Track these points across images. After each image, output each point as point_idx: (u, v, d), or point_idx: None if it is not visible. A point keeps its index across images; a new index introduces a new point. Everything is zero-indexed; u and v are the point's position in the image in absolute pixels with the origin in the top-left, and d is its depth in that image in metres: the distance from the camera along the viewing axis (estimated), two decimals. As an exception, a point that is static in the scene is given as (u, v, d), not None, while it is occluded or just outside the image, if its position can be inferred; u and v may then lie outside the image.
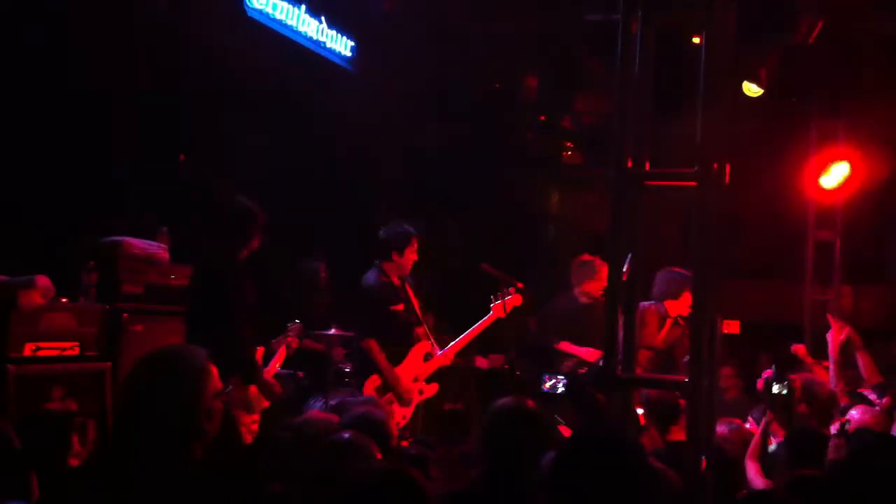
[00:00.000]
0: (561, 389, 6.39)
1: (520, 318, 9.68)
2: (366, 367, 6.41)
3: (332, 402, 7.09)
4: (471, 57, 8.92)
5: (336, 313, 7.63)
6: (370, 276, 6.44)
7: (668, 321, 6.63)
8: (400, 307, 6.50)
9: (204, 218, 5.61)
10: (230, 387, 4.52)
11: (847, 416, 4.49)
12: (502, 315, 6.68)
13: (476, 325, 6.71)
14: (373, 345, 6.29)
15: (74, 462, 3.89)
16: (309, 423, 3.54)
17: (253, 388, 5.29)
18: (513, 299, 6.68)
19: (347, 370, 7.67)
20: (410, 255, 6.46)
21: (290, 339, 6.07)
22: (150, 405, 2.55)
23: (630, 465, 2.42)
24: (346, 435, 3.11)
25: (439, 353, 6.61)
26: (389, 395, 6.33)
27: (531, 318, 10.04)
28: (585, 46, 8.53)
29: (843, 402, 5.43)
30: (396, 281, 6.52)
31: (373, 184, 9.87)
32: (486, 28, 8.50)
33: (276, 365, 5.87)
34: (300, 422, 3.59)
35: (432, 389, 6.61)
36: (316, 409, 7.09)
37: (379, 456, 3.06)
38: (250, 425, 5.16)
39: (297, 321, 6.25)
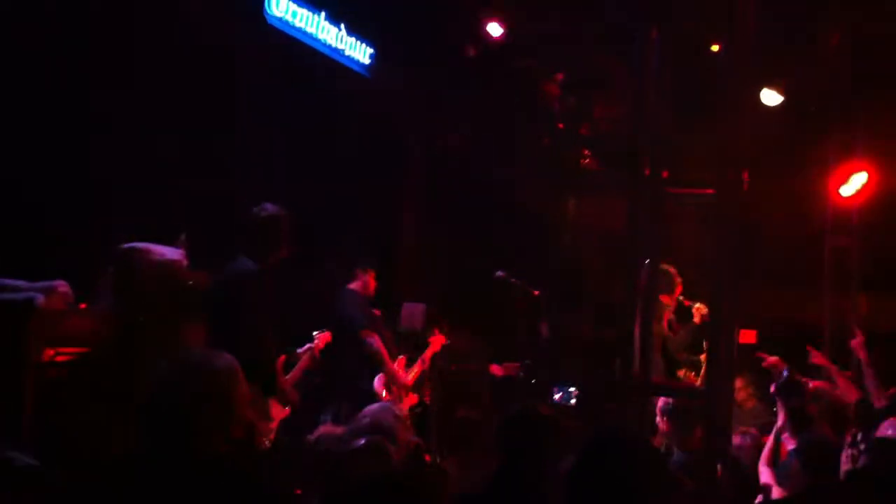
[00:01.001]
0: (572, 401, 6.43)
1: (534, 325, 9.70)
2: (363, 365, 6.55)
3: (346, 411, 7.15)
4: (487, 64, 8.93)
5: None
6: (349, 287, 6.97)
7: (666, 313, 6.81)
8: (379, 313, 6.90)
9: (231, 226, 5.62)
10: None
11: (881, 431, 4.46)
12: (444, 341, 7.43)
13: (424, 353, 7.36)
14: (376, 338, 6.42)
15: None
16: (323, 439, 3.53)
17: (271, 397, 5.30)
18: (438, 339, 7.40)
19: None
20: (371, 280, 7.12)
21: (316, 348, 6.07)
22: (182, 409, 2.56)
23: (649, 471, 2.42)
24: (362, 441, 3.11)
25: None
26: (395, 389, 6.51)
27: (544, 324, 10.02)
28: (605, 53, 8.55)
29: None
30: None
31: (392, 190, 9.89)
32: (506, 34, 8.50)
33: (298, 373, 5.87)
34: (314, 439, 3.58)
35: (413, 399, 6.87)
36: (328, 424, 7.13)
37: (396, 458, 3.05)
38: (268, 433, 5.17)
39: (324, 330, 6.26)
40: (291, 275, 6.24)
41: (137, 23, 6.40)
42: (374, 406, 4.03)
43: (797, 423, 4.67)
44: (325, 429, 3.66)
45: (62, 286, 4.88)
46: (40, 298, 4.76)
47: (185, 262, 5.78)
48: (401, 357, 6.90)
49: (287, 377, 5.68)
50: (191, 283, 5.64)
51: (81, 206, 6.00)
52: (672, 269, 7.04)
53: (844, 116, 9.45)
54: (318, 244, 8.07)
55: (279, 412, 5.44)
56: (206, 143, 7.04)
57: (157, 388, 2.61)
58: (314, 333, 6.23)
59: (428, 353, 7.17)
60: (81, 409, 4.68)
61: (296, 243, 5.61)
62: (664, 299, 6.86)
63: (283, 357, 5.67)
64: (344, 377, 6.79)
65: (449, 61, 8.78)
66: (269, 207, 5.33)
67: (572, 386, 6.42)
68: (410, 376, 6.86)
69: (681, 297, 7.07)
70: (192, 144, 6.95)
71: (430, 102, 9.55)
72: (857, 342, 6.90)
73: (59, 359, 4.93)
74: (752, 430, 5.16)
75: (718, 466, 3.23)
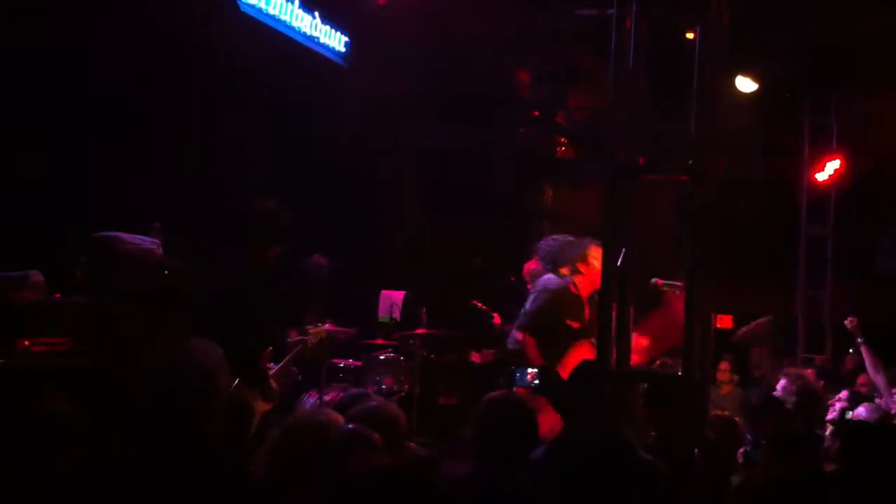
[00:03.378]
0: (536, 383, 6.36)
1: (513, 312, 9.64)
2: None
3: (327, 398, 7.13)
4: (464, 53, 8.92)
5: (333, 309, 7.62)
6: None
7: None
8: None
9: (226, 220, 5.58)
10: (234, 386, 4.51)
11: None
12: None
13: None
14: (526, 336, 6.08)
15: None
16: (302, 420, 3.51)
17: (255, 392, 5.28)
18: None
19: (341, 365, 7.68)
20: None
21: (308, 343, 6.03)
22: (180, 408, 2.59)
23: (620, 459, 2.43)
24: (350, 426, 3.10)
25: None
26: None
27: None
28: (580, 41, 8.55)
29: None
30: None
31: (367, 180, 9.87)
32: (480, 24, 8.49)
33: (283, 364, 5.81)
34: (293, 420, 3.56)
35: None
36: (309, 405, 7.11)
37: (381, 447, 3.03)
38: (250, 426, 5.14)
39: (320, 325, 6.22)
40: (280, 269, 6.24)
41: (110, 13, 6.36)
42: (355, 392, 4.02)
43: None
44: (306, 410, 3.63)
45: (35, 276, 4.84)
46: (12, 288, 4.73)
47: (158, 251, 5.76)
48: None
49: (274, 369, 5.65)
50: (165, 271, 5.62)
51: (64, 200, 5.99)
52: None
53: (820, 106, 9.53)
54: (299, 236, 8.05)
55: (262, 406, 5.42)
56: (185, 137, 7.01)
57: (152, 388, 2.63)
58: (308, 328, 6.18)
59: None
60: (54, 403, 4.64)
61: (292, 239, 5.58)
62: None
63: (268, 350, 5.64)
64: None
65: (422, 50, 8.75)
66: (267, 202, 5.32)
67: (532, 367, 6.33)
68: None
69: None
70: (171, 138, 6.92)
71: (404, 91, 9.53)
72: (851, 323, 7.09)
73: (35, 349, 4.90)
74: (727, 413, 5.22)
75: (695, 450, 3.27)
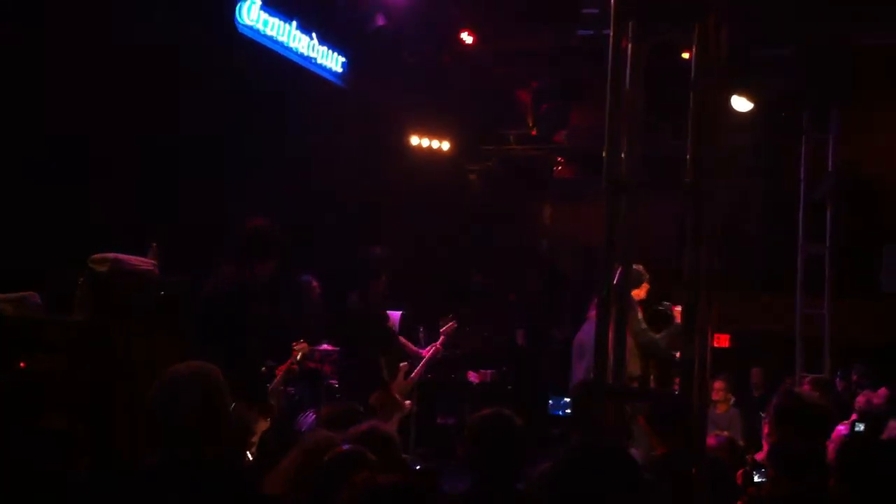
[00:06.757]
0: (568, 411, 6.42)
1: (511, 332, 9.67)
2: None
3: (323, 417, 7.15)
4: (463, 72, 8.96)
5: (329, 329, 7.63)
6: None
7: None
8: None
9: (221, 238, 5.62)
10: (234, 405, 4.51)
11: None
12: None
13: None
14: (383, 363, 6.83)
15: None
16: (313, 440, 3.50)
17: (255, 408, 5.28)
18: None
19: (338, 385, 7.69)
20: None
21: (293, 361, 6.08)
22: (185, 422, 2.62)
23: (624, 478, 2.42)
24: (346, 447, 3.08)
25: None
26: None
27: (520, 332, 9.99)
28: (579, 61, 8.58)
29: None
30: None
31: (366, 199, 9.88)
32: (480, 43, 8.53)
33: (275, 383, 5.85)
34: (307, 440, 3.55)
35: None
36: (311, 423, 7.14)
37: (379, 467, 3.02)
38: (251, 446, 5.14)
39: (303, 342, 6.27)
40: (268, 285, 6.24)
41: (130, 37, 6.40)
42: (351, 411, 4.01)
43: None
44: (318, 431, 3.62)
45: (33, 297, 4.84)
46: (9, 310, 4.73)
47: (156, 272, 5.76)
48: (402, 364, 7.10)
49: (268, 388, 5.67)
50: (162, 292, 5.62)
51: (74, 220, 6.01)
52: (639, 267, 7.01)
53: (818, 123, 9.53)
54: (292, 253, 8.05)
55: (261, 425, 5.42)
56: (181, 156, 7.02)
57: (153, 409, 2.63)
58: (294, 345, 6.20)
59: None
60: (54, 418, 4.63)
61: (282, 257, 5.63)
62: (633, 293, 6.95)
63: (265, 368, 5.66)
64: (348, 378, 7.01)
65: (423, 69, 8.78)
66: (259, 221, 5.39)
67: (566, 396, 6.36)
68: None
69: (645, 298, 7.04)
70: (167, 157, 6.93)
71: (402, 109, 9.57)
72: None
73: (33, 368, 4.89)
74: (724, 434, 5.19)
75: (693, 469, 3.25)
